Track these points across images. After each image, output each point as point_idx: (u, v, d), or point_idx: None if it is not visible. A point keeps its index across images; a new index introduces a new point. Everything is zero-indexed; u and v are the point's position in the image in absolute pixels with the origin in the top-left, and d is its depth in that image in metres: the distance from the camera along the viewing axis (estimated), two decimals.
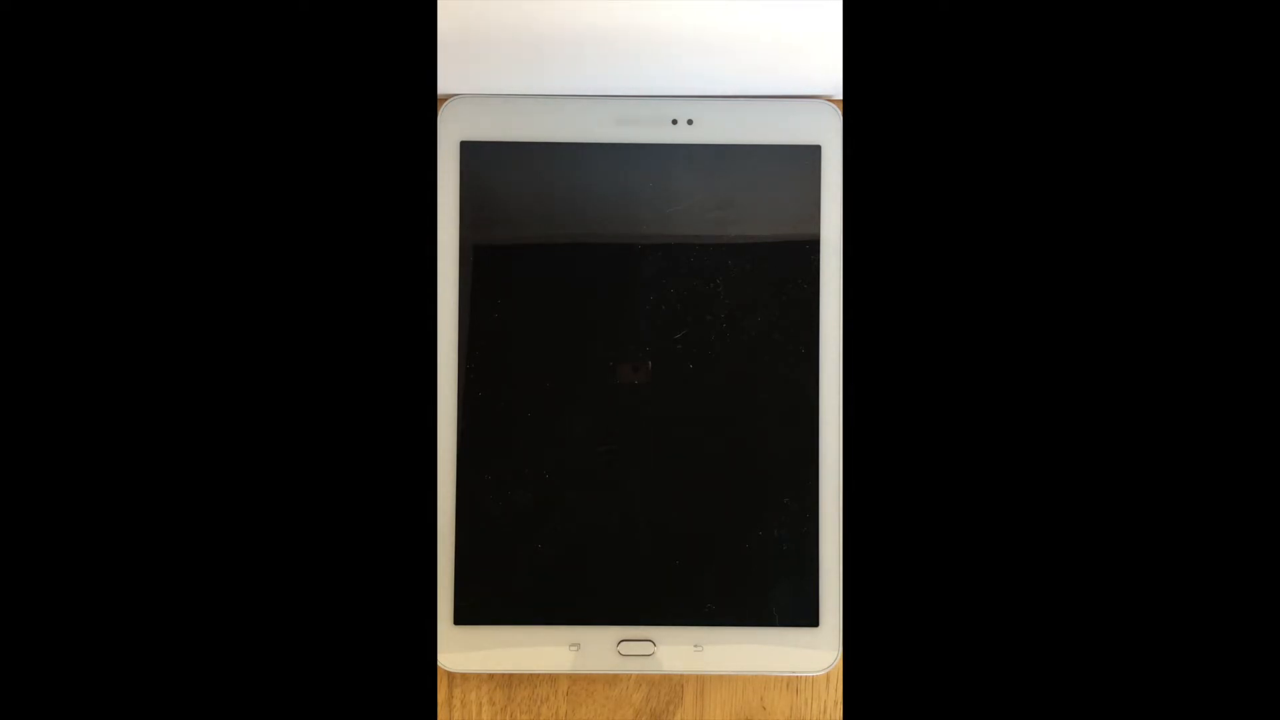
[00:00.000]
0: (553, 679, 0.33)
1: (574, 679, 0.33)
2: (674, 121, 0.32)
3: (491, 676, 0.33)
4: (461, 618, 0.32)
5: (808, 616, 0.32)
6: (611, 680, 0.33)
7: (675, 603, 0.32)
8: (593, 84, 0.32)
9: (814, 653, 0.32)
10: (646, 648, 0.32)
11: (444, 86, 0.32)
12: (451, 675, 0.33)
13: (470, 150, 0.32)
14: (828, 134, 0.32)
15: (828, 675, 0.33)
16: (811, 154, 0.32)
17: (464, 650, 0.32)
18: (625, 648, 0.32)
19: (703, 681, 0.33)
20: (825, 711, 0.33)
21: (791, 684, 0.33)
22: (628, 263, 0.32)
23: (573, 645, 0.32)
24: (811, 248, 0.32)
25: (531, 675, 0.33)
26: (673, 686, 0.33)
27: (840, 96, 0.32)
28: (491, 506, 0.32)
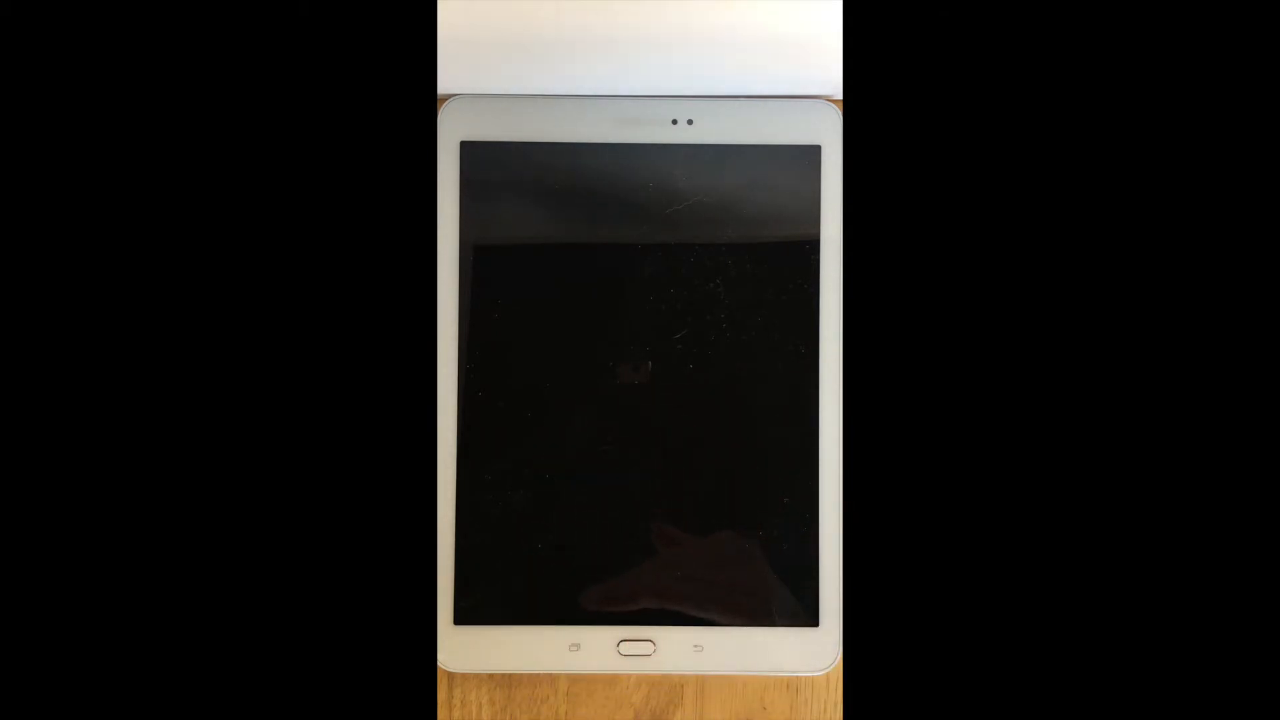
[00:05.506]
0: (553, 679, 0.33)
1: (574, 679, 0.33)
2: (674, 121, 0.32)
3: (491, 676, 0.33)
4: (461, 618, 0.32)
5: (808, 616, 0.32)
6: (611, 680, 0.33)
7: (675, 603, 0.32)
8: (593, 84, 0.31)
9: (814, 653, 0.32)
10: (646, 648, 0.32)
11: (444, 86, 0.32)
12: (451, 675, 0.33)
13: (470, 150, 0.32)
14: (828, 134, 0.32)
15: (828, 675, 0.33)
16: (811, 154, 0.32)
17: (464, 650, 0.32)
18: (625, 648, 0.32)
19: (703, 681, 0.33)
20: (825, 711, 0.33)
21: (791, 684, 0.33)
22: (628, 263, 0.32)
23: (573, 645, 0.32)
24: (811, 248, 0.32)
25: (531, 675, 0.33)
26: (673, 686, 0.33)
27: (840, 96, 0.32)
28: (491, 506, 0.32)
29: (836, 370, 0.32)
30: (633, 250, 0.32)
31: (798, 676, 0.33)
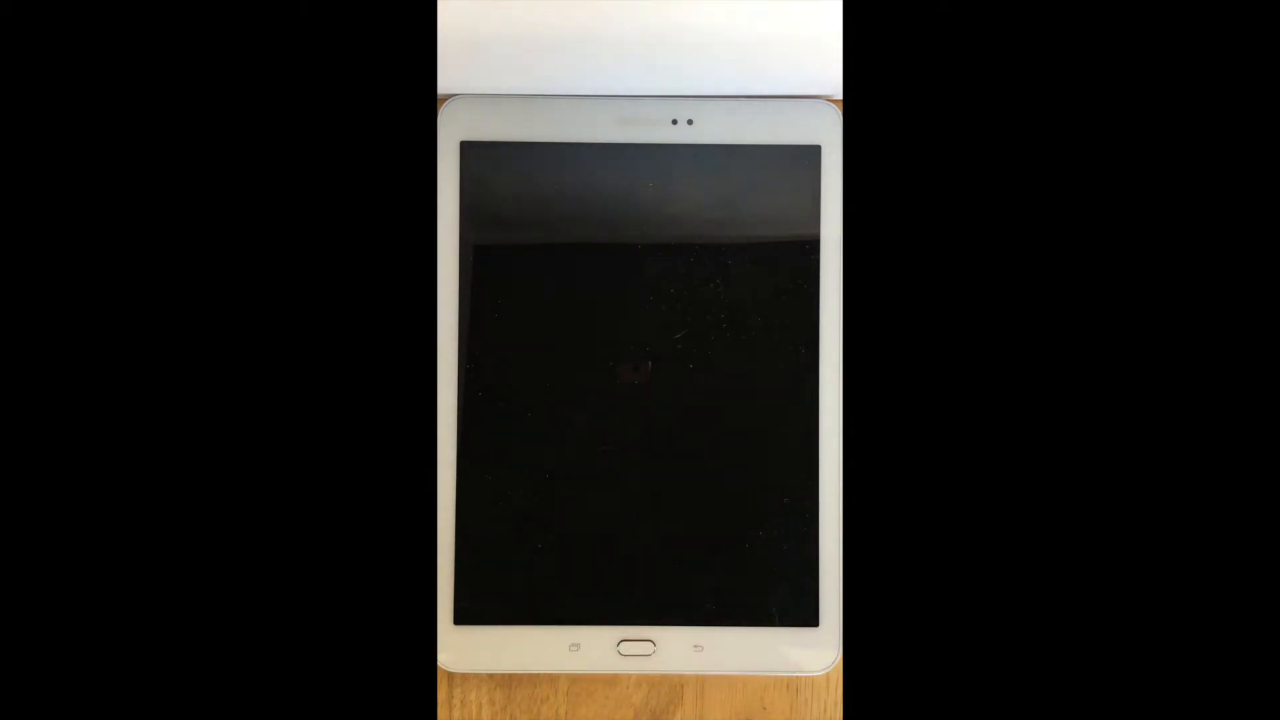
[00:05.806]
0: (553, 679, 0.33)
1: (574, 679, 0.33)
2: (674, 121, 0.32)
3: (491, 676, 0.33)
4: (461, 618, 0.32)
5: (808, 616, 0.32)
6: (611, 680, 0.33)
7: (675, 603, 0.32)
8: (593, 84, 0.31)
9: (814, 653, 0.32)
10: (646, 648, 0.32)
11: (444, 86, 0.32)
12: (451, 675, 0.33)
13: (470, 150, 0.32)
14: (828, 134, 0.32)
15: (828, 675, 0.33)
16: (811, 154, 0.32)
17: (464, 650, 0.32)
18: (625, 648, 0.32)
19: (703, 681, 0.33)
20: (825, 711, 0.33)
21: (791, 684, 0.33)
22: (628, 263, 0.32)
23: (573, 645, 0.32)
24: (811, 248, 0.32)
25: (531, 675, 0.33)
26: (673, 686, 0.33)
27: (840, 96, 0.32)
28: (491, 506, 0.32)
29: (836, 370, 0.32)
30: (633, 250, 0.32)
31: (798, 676, 0.33)
